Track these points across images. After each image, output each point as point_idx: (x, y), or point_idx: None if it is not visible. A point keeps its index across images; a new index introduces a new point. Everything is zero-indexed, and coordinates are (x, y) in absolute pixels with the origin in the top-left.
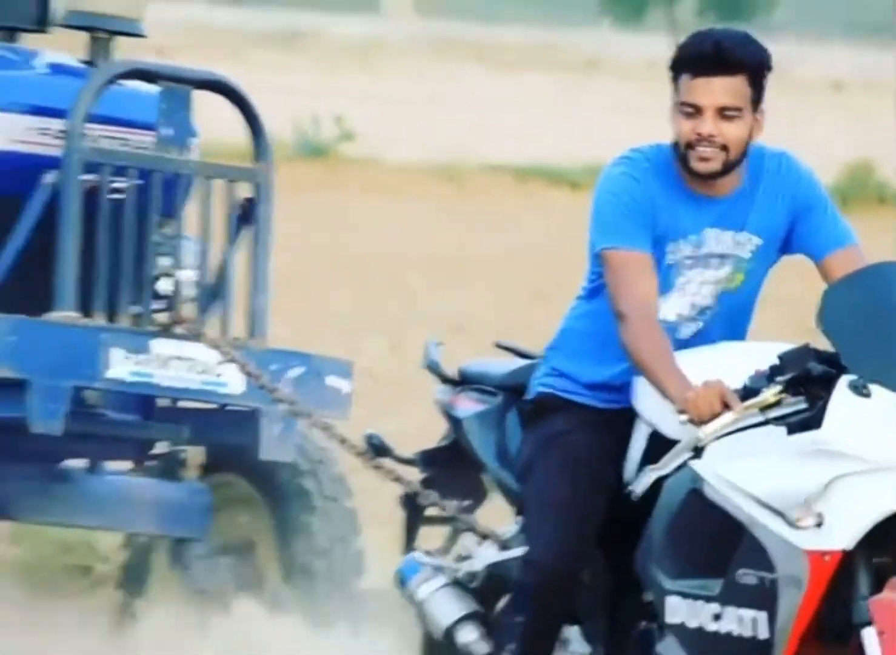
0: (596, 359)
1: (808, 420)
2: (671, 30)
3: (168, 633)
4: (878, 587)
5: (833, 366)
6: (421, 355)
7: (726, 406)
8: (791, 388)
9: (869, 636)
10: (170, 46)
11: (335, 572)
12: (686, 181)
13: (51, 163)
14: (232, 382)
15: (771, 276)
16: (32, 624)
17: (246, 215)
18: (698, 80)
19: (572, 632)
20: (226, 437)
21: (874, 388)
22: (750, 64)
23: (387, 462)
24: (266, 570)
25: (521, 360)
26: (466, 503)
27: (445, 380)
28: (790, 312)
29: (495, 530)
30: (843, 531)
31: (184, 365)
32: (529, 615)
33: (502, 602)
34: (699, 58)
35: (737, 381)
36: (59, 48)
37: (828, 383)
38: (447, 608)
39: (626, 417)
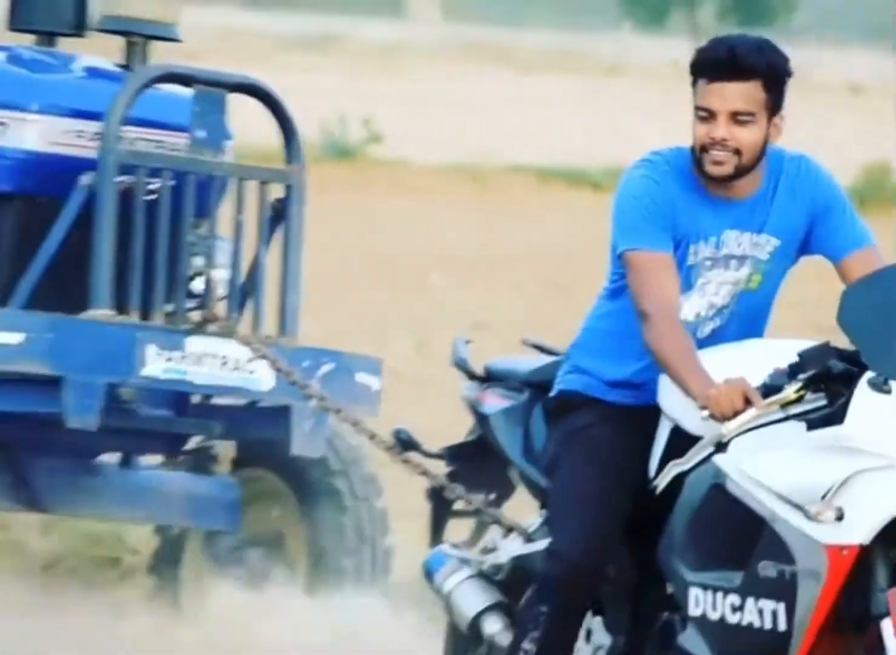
0: (617, 357)
1: (829, 417)
2: (692, 33)
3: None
4: (895, 579)
5: (854, 364)
6: (446, 353)
7: (748, 403)
8: (812, 385)
9: (886, 627)
10: (199, 50)
11: (363, 571)
12: (705, 184)
13: (87, 165)
14: (263, 378)
15: (789, 276)
16: (60, 613)
17: (278, 216)
18: (713, 85)
19: (595, 623)
20: (257, 432)
21: (894, 385)
22: (764, 70)
23: (415, 457)
24: (296, 562)
25: (546, 357)
26: (492, 496)
27: (472, 377)
28: (808, 312)
29: (520, 523)
30: (862, 526)
31: (216, 362)
32: (553, 606)
33: (527, 594)
34: (713, 63)
35: (758, 378)
36: (95, 52)
37: (848, 381)
38: (472, 599)
39: (650, 413)
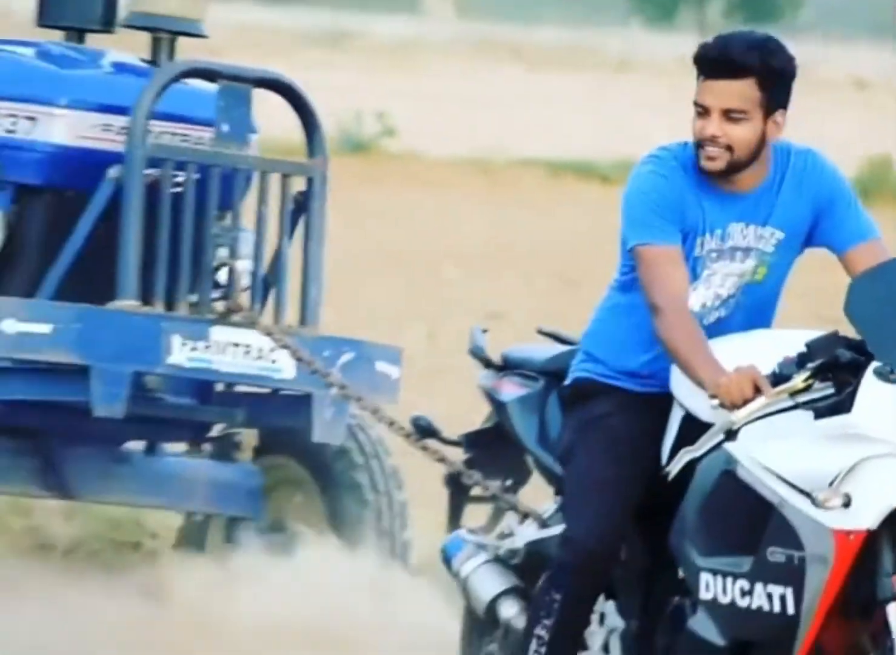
0: (626, 348)
1: (836, 405)
2: (700, 30)
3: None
4: None
5: (861, 353)
6: (458, 343)
7: (758, 391)
8: (820, 374)
9: (892, 611)
10: (219, 46)
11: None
12: (710, 178)
13: (114, 158)
14: (285, 367)
15: (795, 267)
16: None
17: (300, 208)
18: (707, 82)
19: (608, 607)
20: (279, 420)
21: None
22: (758, 69)
23: (433, 444)
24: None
25: (561, 346)
26: (508, 482)
27: (489, 365)
28: (813, 302)
29: (535, 509)
30: (869, 511)
31: (240, 351)
32: (566, 591)
33: (541, 580)
34: (707, 61)
35: (768, 367)
36: (123, 48)
37: (856, 370)
38: (489, 583)
39: (663, 401)
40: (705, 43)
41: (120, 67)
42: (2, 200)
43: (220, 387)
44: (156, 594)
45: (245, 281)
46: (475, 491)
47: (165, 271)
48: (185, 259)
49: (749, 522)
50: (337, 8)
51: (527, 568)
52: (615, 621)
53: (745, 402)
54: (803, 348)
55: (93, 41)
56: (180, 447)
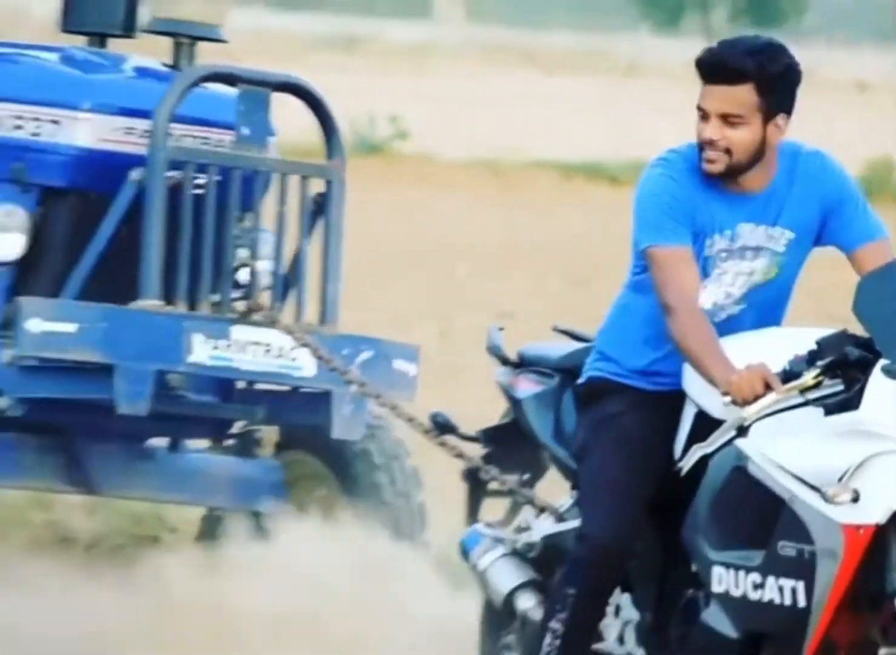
0: (637, 347)
1: (846, 402)
2: (706, 35)
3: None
4: None
5: (869, 351)
6: (470, 341)
7: (768, 388)
8: (829, 371)
9: None
10: (233, 51)
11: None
12: (717, 179)
13: (137, 161)
14: (305, 365)
15: (803, 266)
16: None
17: (319, 209)
18: (707, 87)
19: (624, 599)
20: (299, 417)
21: None
22: (755, 74)
23: (451, 440)
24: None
25: (576, 343)
26: (525, 477)
27: (506, 362)
28: (821, 301)
29: (552, 503)
30: (877, 506)
31: (260, 350)
32: (581, 587)
33: (557, 575)
34: (706, 66)
35: (778, 365)
36: (144, 53)
37: (864, 367)
38: (506, 576)
39: (675, 398)
40: (707, 48)
41: (142, 72)
42: (27, 201)
43: (241, 385)
44: (172, 587)
45: (265, 281)
46: (493, 486)
47: (187, 271)
48: (207, 259)
49: (760, 516)
50: (350, 13)
51: (543, 562)
52: (630, 613)
53: (756, 399)
54: (813, 346)
55: (115, 46)
56: (202, 443)
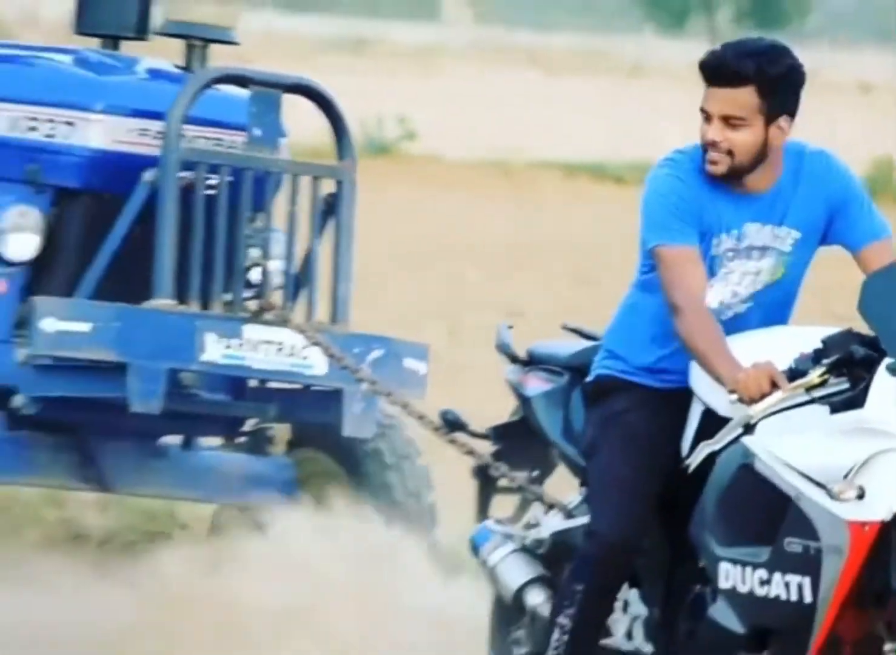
0: (644, 344)
1: (851, 400)
2: (710, 36)
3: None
4: None
5: (874, 349)
6: (478, 339)
7: (775, 386)
8: (835, 369)
9: None
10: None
11: None
12: (722, 179)
13: (150, 162)
14: (317, 364)
15: (810, 265)
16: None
17: (330, 210)
18: (710, 89)
19: (632, 595)
20: (310, 415)
21: None
22: (755, 77)
23: (461, 437)
24: None
25: (585, 341)
26: (535, 474)
27: (515, 360)
28: (825, 299)
29: (561, 500)
30: (883, 503)
31: (272, 349)
32: (589, 583)
33: (567, 568)
34: (708, 69)
35: (784, 363)
36: (157, 55)
37: (870, 366)
38: (516, 572)
39: (682, 396)
40: (710, 51)
41: (155, 74)
42: (41, 202)
43: (252, 383)
44: (182, 583)
45: (277, 280)
46: (502, 483)
47: (200, 270)
48: (219, 259)
49: (767, 513)
50: (358, 15)
51: (552, 558)
52: (638, 608)
53: (763, 397)
54: (819, 345)
55: (127, 48)
56: (215, 441)
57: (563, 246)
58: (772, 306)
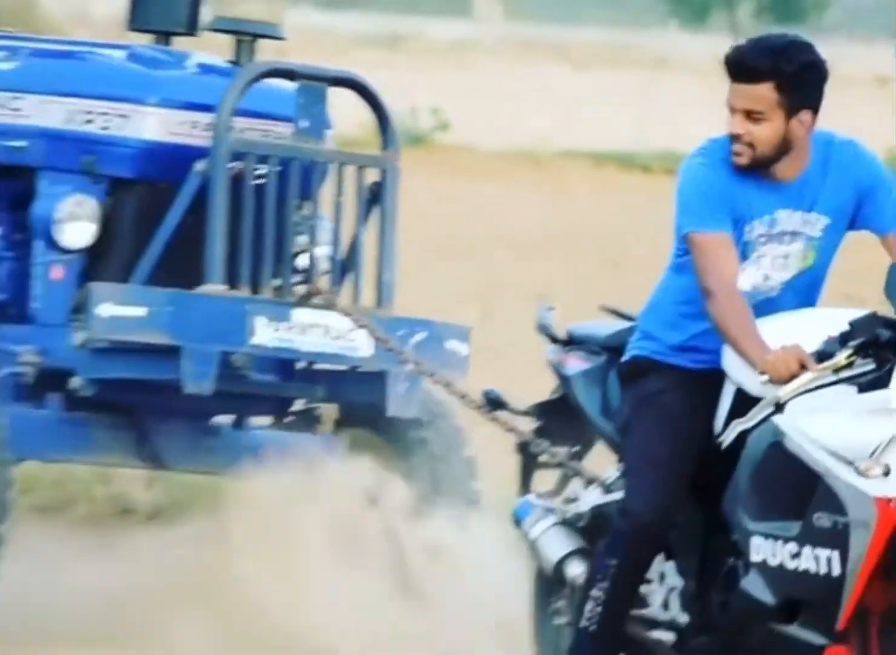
0: (677, 323)
1: (877, 380)
2: (732, 31)
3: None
4: None
5: None
6: (510, 322)
7: (803, 368)
8: (861, 351)
9: None
10: (284, 48)
11: None
12: (751, 168)
13: (201, 153)
14: (362, 346)
15: (838, 249)
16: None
17: (374, 198)
18: (732, 84)
19: (668, 567)
20: (356, 395)
21: None
22: (773, 73)
23: (503, 415)
24: None
25: (622, 322)
26: (574, 450)
27: (555, 341)
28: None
29: (600, 475)
30: None
31: (320, 332)
32: (622, 558)
33: (599, 546)
34: (729, 65)
35: (812, 345)
36: (207, 50)
37: (895, 348)
38: (556, 545)
39: (714, 376)
40: (733, 47)
41: (205, 68)
42: (97, 192)
43: (300, 364)
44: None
45: (324, 266)
46: (544, 458)
47: (250, 257)
48: (268, 246)
49: (796, 489)
50: (394, 12)
51: (591, 531)
52: (674, 580)
53: (792, 378)
54: (845, 327)
55: (178, 44)
56: (265, 420)
57: (592, 232)
58: (802, 290)
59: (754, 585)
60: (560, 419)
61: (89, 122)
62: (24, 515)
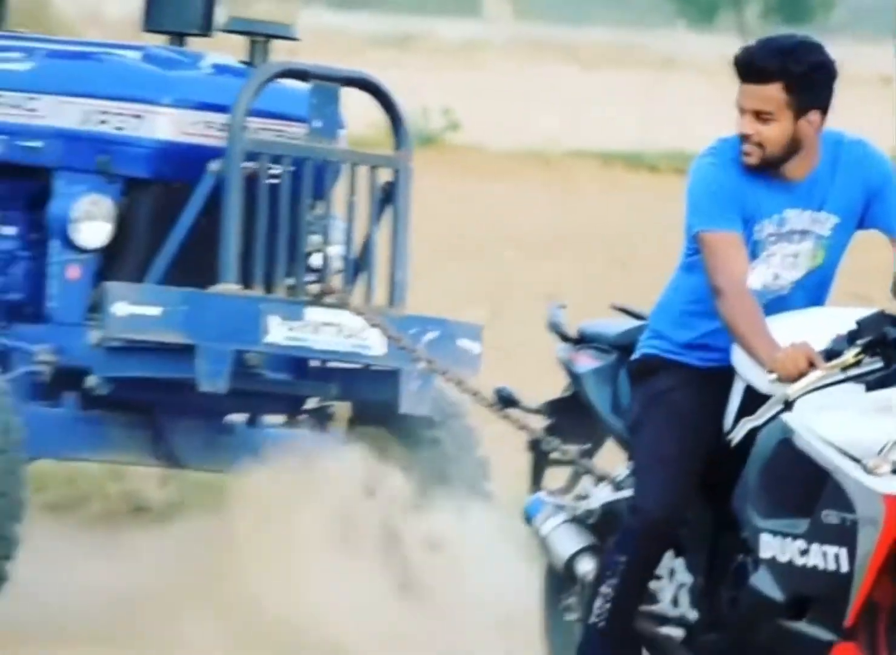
0: (686, 321)
1: (885, 379)
2: (739, 31)
3: None
4: None
5: None
6: (518, 321)
7: (812, 366)
8: (869, 350)
9: None
10: (296, 48)
11: None
12: (760, 168)
13: (215, 153)
14: (375, 344)
15: (847, 248)
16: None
17: (387, 198)
18: (742, 85)
19: (677, 563)
20: (369, 393)
21: None
22: (781, 74)
23: (514, 413)
24: None
25: (633, 320)
26: (585, 447)
27: (566, 339)
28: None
29: (610, 472)
30: None
31: (333, 330)
32: (631, 556)
33: (608, 543)
34: (738, 66)
35: (821, 343)
36: (221, 51)
37: None
38: (567, 542)
39: (724, 374)
40: (743, 47)
41: (219, 69)
42: (112, 191)
43: (314, 363)
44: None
45: (337, 265)
46: (555, 456)
47: (263, 256)
48: (282, 245)
49: (805, 486)
50: (404, 12)
51: (602, 528)
52: (684, 577)
53: (801, 376)
54: (853, 326)
55: (192, 45)
56: (279, 419)
57: (600, 232)
58: (812, 288)
59: (763, 581)
60: (571, 416)
61: (104, 122)
62: (36, 513)
